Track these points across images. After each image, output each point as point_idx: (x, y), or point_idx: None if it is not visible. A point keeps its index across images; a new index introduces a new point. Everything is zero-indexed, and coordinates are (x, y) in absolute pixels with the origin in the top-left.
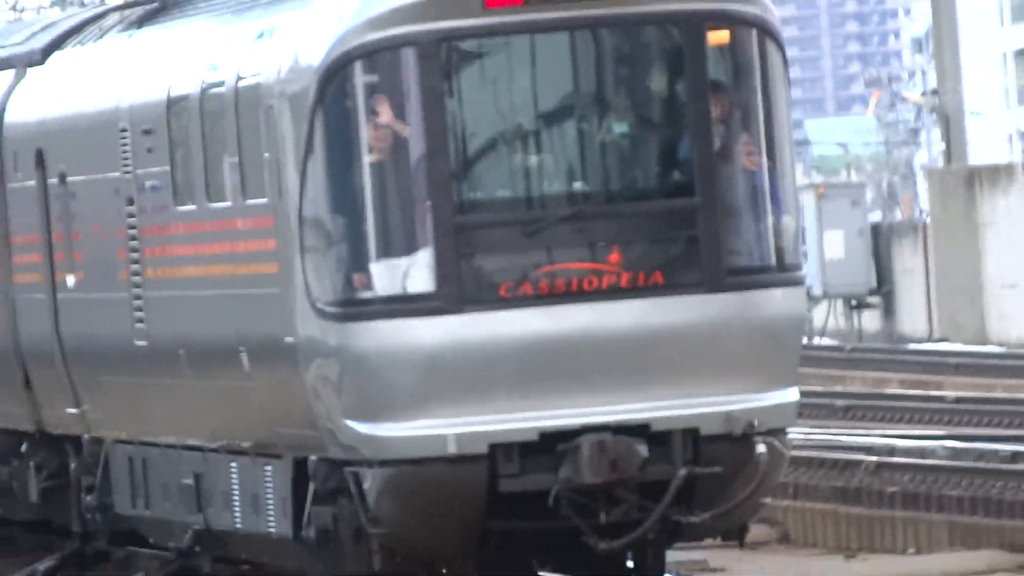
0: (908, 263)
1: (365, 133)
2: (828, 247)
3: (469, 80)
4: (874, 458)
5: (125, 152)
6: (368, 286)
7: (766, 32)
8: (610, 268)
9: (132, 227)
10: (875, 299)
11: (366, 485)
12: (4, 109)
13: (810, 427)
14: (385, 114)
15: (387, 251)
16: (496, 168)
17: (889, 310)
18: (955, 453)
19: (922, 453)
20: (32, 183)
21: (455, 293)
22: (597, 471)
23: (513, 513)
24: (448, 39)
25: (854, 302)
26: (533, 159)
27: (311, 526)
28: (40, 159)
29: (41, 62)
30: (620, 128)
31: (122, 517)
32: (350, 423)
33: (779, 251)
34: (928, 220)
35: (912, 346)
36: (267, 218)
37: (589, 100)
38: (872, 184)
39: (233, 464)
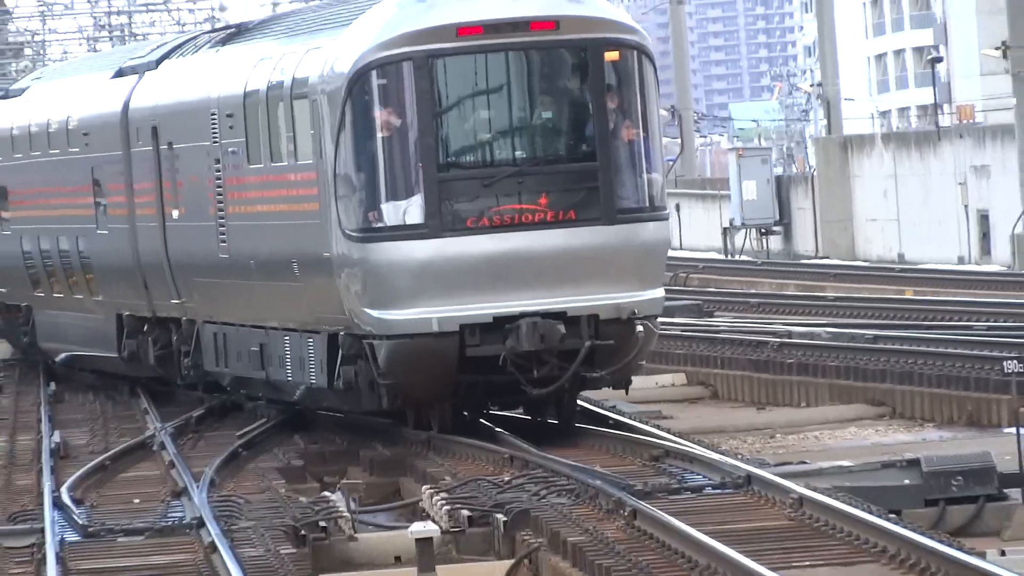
0: (801, 203)
1: (378, 118)
2: (746, 192)
3: (446, 83)
4: (777, 340)
5: (214, 128)
6: (379, 219)
7: (643, 53)
8: (539, 208)
9: (218, 178)
10: (778, 228)
11: (378, 351)
12: (129, 99)
13: (732, 317)
14: (391, 105)
15: (392, 196)
16: (464, 142)
17: (788, 236)
18: (834, 336)
19: (811, 336)
20: (149, 148)
21: (437, 224)
22: (531, 342)
23: (475, 370)
24: (433, 56)
25: (763, 230)
26: (487, 136)
27: (340, 379)
28: (155, 132)
29: (155, 68)
30: (546, 115)
31: (208, 372)
32: (367, 310)
33: (651, 197)
34: (815, 173)
35: (803, 261)
36: (311, 173)
37: (525, 97)
38: (776, 148)
39: (287, 338)
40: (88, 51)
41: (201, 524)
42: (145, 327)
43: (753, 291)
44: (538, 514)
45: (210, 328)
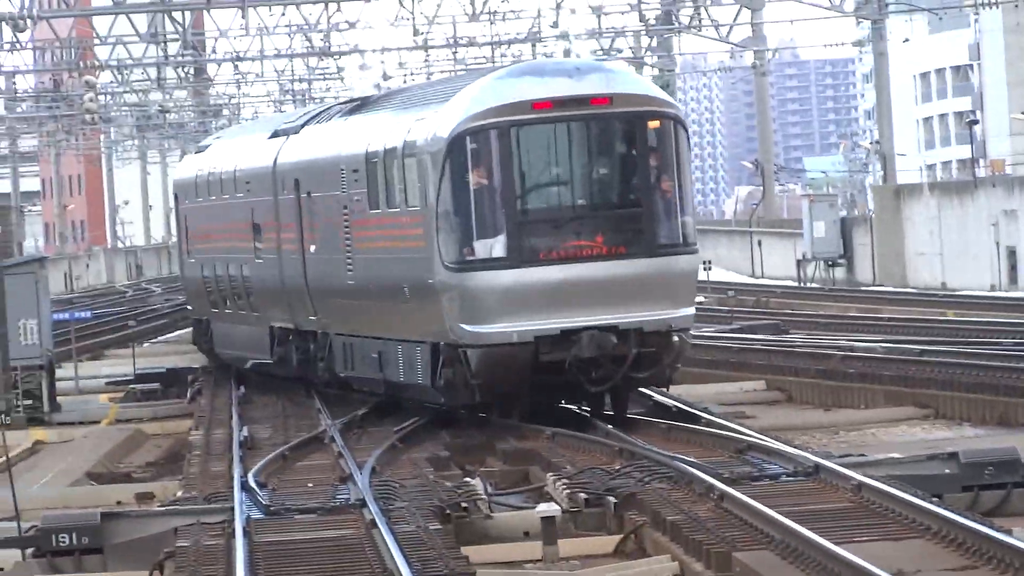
0: (861, 240)
1: (470, 173)
2: (816, 230)
3: (523, 147)
4: (841, 353)
5: (343, 180)
6: (472, 253)
7: (679, 123)
8: (596, 244)
9: (345, 220)
10: (842, 260)
11: (470, 358)
12: (278, 156)
13: (804, 334)
14: (480, 164)
15: (481, 235)
16: (537, 193)
17: (850, 267)
18: (888, 350)
19: (869, 350)
20: (292, 196)
21: (516, 257)
22: (590, 350)
23: (546, 372)
24: (513, 125)
25: (830, 262)
26: (555, 188)
27: (441, 379)
28: (297, 183)
29: (297, 131)
30: (601, 171)
31: (338, 376)
32: (462, 325)
33: (684, 236)
34: (873, 216)
35: (863, 288)
36: (418, 217)
37: (585, 157)
38: (841, 195)
39: (400, 347)
40: (274, 112)
41: (363, 504)
42: (290, 337)
43: (821, 313)
44: (643, 497)
45: (339, 339)
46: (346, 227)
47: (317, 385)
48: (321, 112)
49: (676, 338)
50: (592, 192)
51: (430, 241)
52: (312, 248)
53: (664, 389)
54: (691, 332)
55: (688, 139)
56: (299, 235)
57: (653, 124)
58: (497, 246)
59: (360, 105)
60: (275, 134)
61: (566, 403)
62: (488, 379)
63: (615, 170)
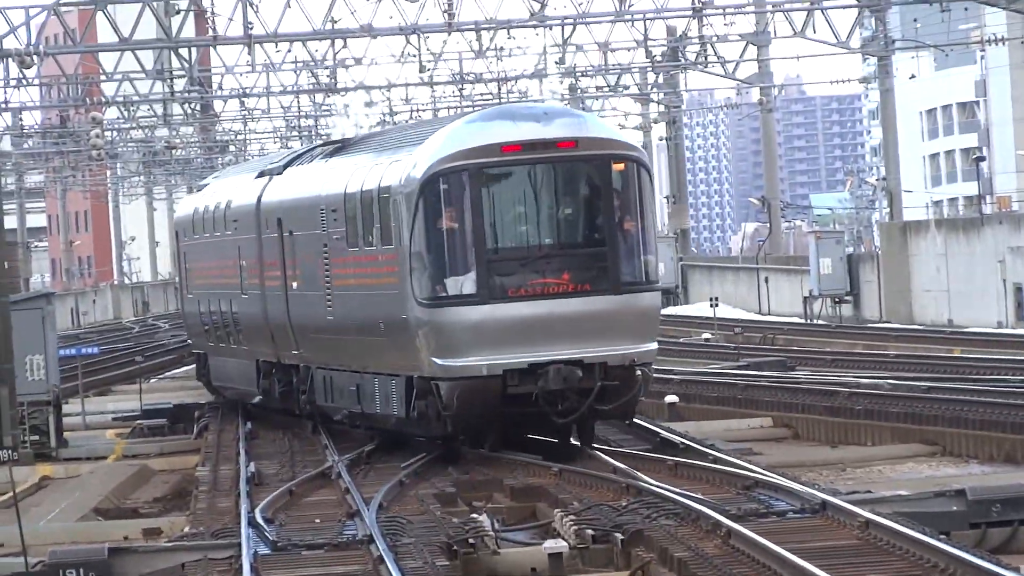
0: (868, 277)
1: (442, 213)
2: (823, 267)
3: (493, 188)
4: (848, 390)
5: (323, 220)
6: (443, 290)
7: (641, 165)
8: (563, 282)
9: (325, 258)
10: (849, 297)
11: (441, 390)
12: (261, 195)
13: (811, 371)
14: (452, 204)
15: (453, 272)
16: (506, 232)
17: (857, 304)
18: (895, 387)
19: (876, 387)
20: (275, 235)
21: (486, 294)
22: (556, 383)
23: (515, 404)
24: (483, 167)
25: (837, 299)
26: (524, 227)
27: (415, 411)
28: (279, 223)
29: (281, 172)
30: (568, 211)
31: (319, 406)
32: (435, 359)
33: (646, 273)
34: (880, 252)
35: (870, 325)
36: (393, 255)
37: (552, 198)
38: (847, 231)
39: (376, 380)
40: (280, 148)
41: (371, 540)
42: (273, 370)
43: (828, 349)
44: (650, 533)
45: (320, 372)
46: (326, 265)
47: (303, 417)
48: (304, 153)
49: (639, 372)
50: (559, 232)
51: (404, 279)
52: (294, 285)
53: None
54: (653, 366)
55: (651, 181)
56: (282, 272)
57: (617, 167)
58: (467, 283)
59: (340, 147)
60: (261, 174)
61: (534, 434)
62: (459, 411)
63: (581, 211)
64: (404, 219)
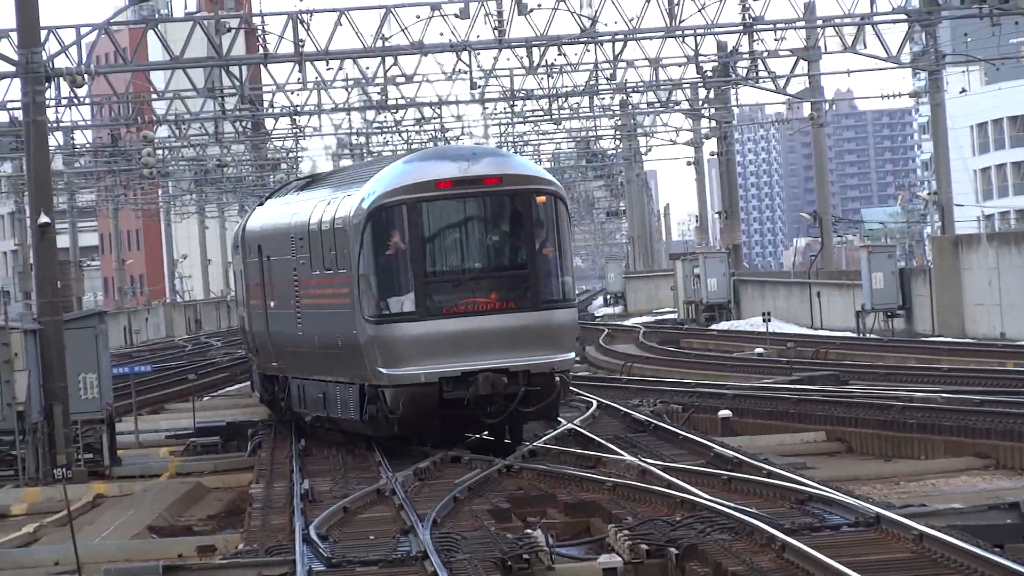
0: (920, 291)
1: (385, 241)
2: (875, 282)
3: (428, 219)
4: (901, 404)
5: (292, 247)
6: (386, 308)
7: (559, 198)
8: (491, 300)
9: (295, 280)
10: (901, 311)
11: (386, 395)
12: (245, 225)
13: (864, 385)
14: (393, 233)
15: (395, 293)
16: (440, 257)
17: (909, 318)
18: (948, 400)
19: (929, 400)
20: (257, 259)
21: (424, 311)
22: (485, 388)
23: (451, 408)
24: (419, 201)
25: (889, 313)
26: (456, 253)
27: (367, 414)
28: (260, 248)
29: (263, 204)
30: (494, 239)
31: (295, 411)
32: (380, 368)
33: (564, 292)
34: (931, 266)
35: (922, 339)
36: (345, 278)
37: (481, 227)
38: (899, 246)
39: (337, 387)
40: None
41: (425, 556)
42: (263, 380)
43: (881, 363)
44: (704, 548)
45: (295, 382)
46: (295, 286)
47: (280, 420)
48: (283, 187)
49: (558, 378)
50: (486, 257)
51: (354, 298)
52: (272, 304)
53: (552, 423)
54: (571, 374)
55: (568, 212)
56: (263, 293)
57: (537, 199)
58: (407, 302)
59: (311, 182)
60: (258, 204)
61: (470, 433)
62: (403, 413)
63: (505, 238)
64: (353, 246)
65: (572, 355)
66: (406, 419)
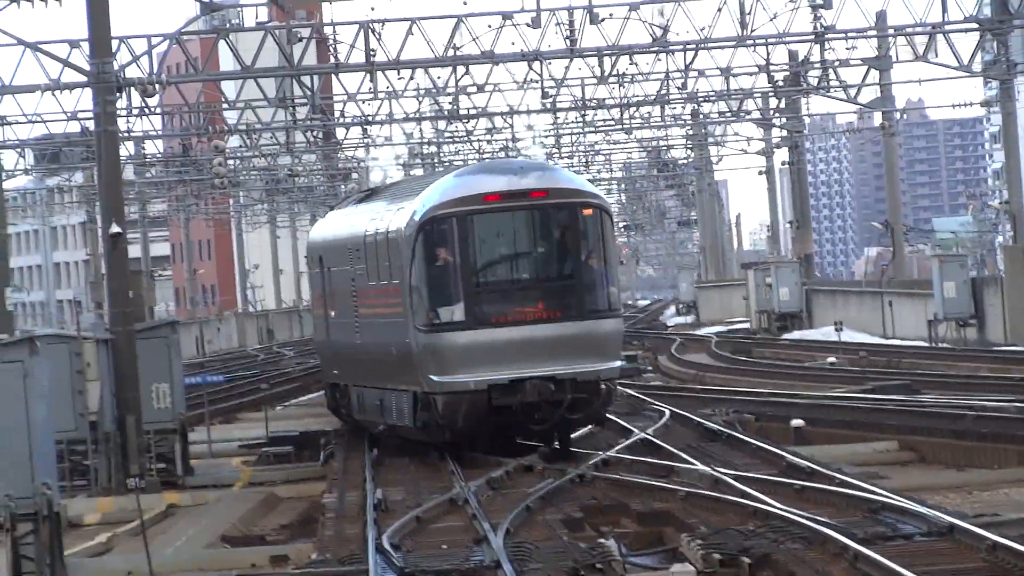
0: (992, 300)
1: (435, 252)
2: (947, 291)
3: (477, 231)
4: (973, 413)
5: (350, 258)
6: (437, 318)
7: (604, 211)
8: (538, 310)
9: (353, 291)
10: (973, 320)
11: (437, 403)
12: (311, 236)
13: (936, 394)
14: (443, 245)
15: (445, 303)
16: (489, 268)
17: (981, 327)
18: (1020, 409)
19: (1001, 410)
20: (319, 270)
21: (473, 321)
22: (533, 396)
23: (499, 415)
24: (468, 214)
25: (961, 322)
26: (506, 263)
27: (419, 420)
28: (321, 260)
29: (325, 216)
30: (542, 250)
31: (355, 419)
32: (431, 376)
33: (610, 303)
34: (1004, 275)
35: (995, 348)
36: (398, 288)
37: (528, 239)
38: (971, 255)
39: (392, 395)
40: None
41: (498, 566)
42: (330, 388)
43: (953, 373)
44: (777, 557)
45: (354, 390)
46: (353, 296)
47: (345, 423)
48: (344, 200)
49: (603, 386)
50: (534, 267)
51: (407, 308)
52: (332, 314)
53: (599, 426)
54: (616, 381)
55: (612, 224)
56: (324, 303)
57: (583, 212)
58: (457, 312)
59: (368, 195)
60: (320, 217)
61: (521, 440)
62: (452, 420)
63: (552, 250)
64: (405, 258)
65: (618, 363)
66: (456, 425)
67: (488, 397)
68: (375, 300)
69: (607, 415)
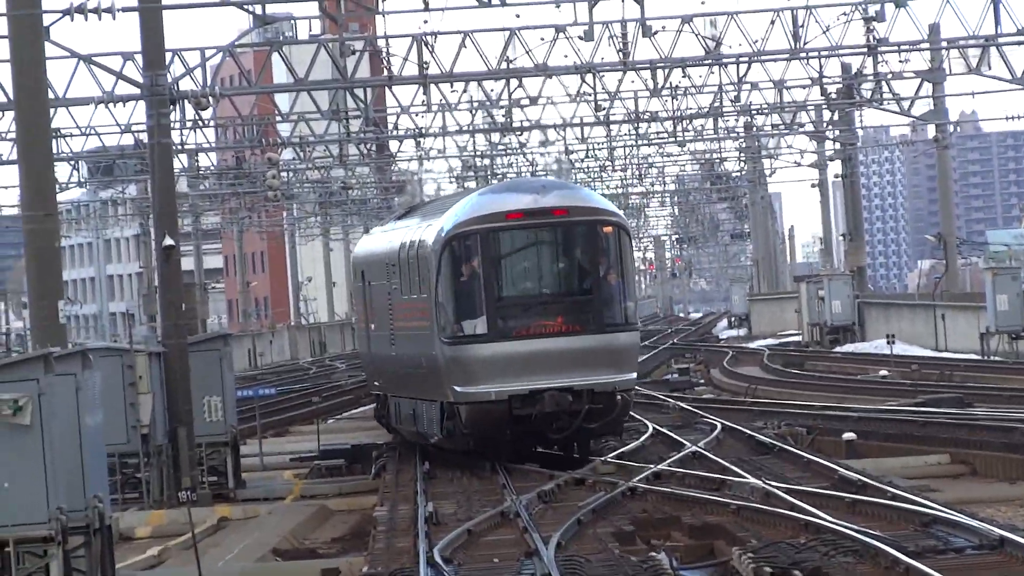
0: None
1: (460, 267)
2: (999, 304)
3: (500, 247)
4: None
5: (387, 272)
6: (461, 330)
7: (623, 229)
8: (557, 324)
9: (390, 304)
10: None
11: (461, 412)
12: (354, 252)
13: (988, 407)
14: (467, 260)
15: (469, 316)
16: (511, 283)
17: None
18: None
19: None
20: (361, 284)
21: (495, 334)
22: (551, 406)
23: (519, 424)
24: (492, 231)
25: (1014, 335)
26: (528, 279)
27: (444, 429)
28: (363, 274)
29: (368, 232)
30: (562, 266)
31: (394, 428)
32: (455, 387)
33: (626, 317)
34: None
35: None
36: (426, 302)
37: (549, 255)
38: None
39: (423, 404)
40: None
41: None
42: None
43: (1005, 386)
44: (828, 570)
45: (392, 400)
46: (390, 310)
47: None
48: (389, 216)
49: (620, 397)
50: (554, 283)
51: (433, 321)
52: (372, 326)
53: (617, 437)
54: (633, 392)
55: (631, 241)
56: (364, 315)
57: (603, 230)
58: (480, 325)
59: (407, 212)
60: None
61: (541, 448)
62: (475, 428)
63: (572, 266)
64: (432, 272)
65: (634, 375)
66: (478, 434)
67: (508, 407)
68: (408, 313)
69: (625, 425)
